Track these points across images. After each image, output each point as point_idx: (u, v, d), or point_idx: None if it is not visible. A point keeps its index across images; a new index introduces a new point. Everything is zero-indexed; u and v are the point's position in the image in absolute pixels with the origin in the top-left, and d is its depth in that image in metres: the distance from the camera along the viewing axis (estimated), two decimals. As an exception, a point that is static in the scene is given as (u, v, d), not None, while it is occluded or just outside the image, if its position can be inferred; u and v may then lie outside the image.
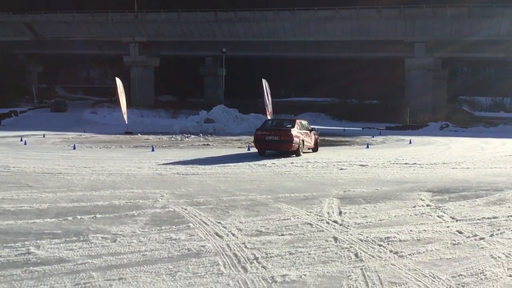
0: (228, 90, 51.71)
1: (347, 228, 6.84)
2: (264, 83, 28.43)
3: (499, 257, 5.52)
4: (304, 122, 19.20)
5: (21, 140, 24.77)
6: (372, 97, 65.24)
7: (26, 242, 5.93)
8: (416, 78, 54.00)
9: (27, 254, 5.48)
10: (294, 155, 17.37)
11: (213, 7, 57.14)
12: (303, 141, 17.75)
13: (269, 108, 28.71)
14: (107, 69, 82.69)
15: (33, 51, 66.41)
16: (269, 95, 28.70)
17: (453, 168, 14.20)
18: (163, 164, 14.65)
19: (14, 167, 13.59)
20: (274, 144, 17.38)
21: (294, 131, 17.33)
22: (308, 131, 18.81)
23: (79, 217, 7.33)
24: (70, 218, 7.26)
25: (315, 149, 19.64)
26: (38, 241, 5.98)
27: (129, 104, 34.09)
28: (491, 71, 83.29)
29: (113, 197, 8.98)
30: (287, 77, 71.83)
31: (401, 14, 52.79)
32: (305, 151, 18.50)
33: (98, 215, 7.45)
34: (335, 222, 7.17)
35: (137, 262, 5.28)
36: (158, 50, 62.24)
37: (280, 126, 18.14)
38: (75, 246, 5.83)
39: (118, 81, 34.20)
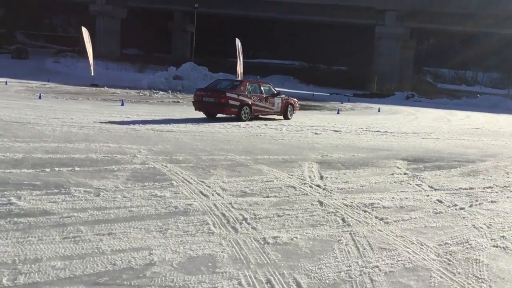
0: (197, 48, 50.74)
1: (330, 192, 6.88)
2: (238, 42, 28.03)
3: (481, 228, 5.66)
4: (263, 85, 17.18)
5: (-18, 86, 23.81)
6: (340, 63, 65.30)
7: (5, 192, 5.72)
8: (385, 47, 54.31)
9: (9, 205, 5.30)
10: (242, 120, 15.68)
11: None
12: (249, 105, 15.90)
13: (240, 68, 28.40)
14: (71, 17, 79.76)
15: (-7, -7, 63.26)
16: (241, 55, 28.36)
17: (423, 138, 14.45)
18: (136, 119, 14.37)
19: (-21, 114, 13.08)
20: (210, 106, 15.69)
21: (232, 94, 15.45)
22: (267, 96, 16.77)
23: (57, 169, 7.11)
24: (48, 169, 7.04)
25: (284, 116, 17.67)
26: (18, 192, 5.78)
27: (93, 55, 32.97)
28: (457, 43, 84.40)
29: (89, 151, 8.74)
30: (257, 37, 70.91)
31: (374, -19, 52.60)
32: (271, 116, 17.47)
33: (76, 168, 7.25)
34: (318, 186, 7.20)
35: (125, 218, 5.18)
36: (126, 0, 60.31)
37: (220, 87, 16.22)
38: (58, 198, 5.67)
39: (85, 31, 33.01)
